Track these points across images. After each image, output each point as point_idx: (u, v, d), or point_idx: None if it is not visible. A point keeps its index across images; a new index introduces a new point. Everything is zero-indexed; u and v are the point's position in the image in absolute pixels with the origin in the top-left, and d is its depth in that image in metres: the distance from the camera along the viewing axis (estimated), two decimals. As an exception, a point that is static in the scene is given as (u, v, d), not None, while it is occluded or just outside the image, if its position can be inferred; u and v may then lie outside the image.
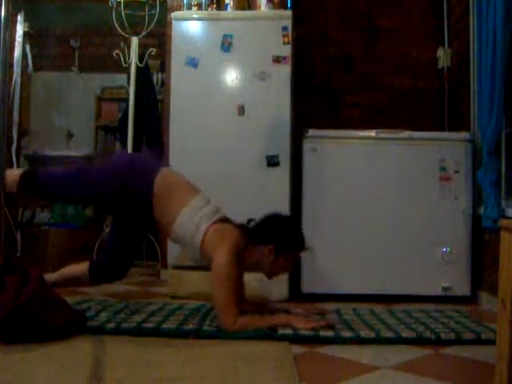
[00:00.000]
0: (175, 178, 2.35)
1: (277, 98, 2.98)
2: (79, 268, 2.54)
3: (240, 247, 2.18)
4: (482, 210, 2.79)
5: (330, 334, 2.05)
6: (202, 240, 2.19)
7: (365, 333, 2.06)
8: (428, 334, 2.07)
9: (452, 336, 2.05)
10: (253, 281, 2.57)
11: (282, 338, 2.00)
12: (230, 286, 2.09)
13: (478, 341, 2.03)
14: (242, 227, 2.27)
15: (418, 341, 2.02)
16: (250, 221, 2.33)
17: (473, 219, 2.98)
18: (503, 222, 1.40)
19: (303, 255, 2.38)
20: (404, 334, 2.06)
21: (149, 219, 2.31)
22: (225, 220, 2.28)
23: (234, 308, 2.07)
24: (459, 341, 2.03)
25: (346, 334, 2.06)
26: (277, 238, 2.23)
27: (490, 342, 1.94)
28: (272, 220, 2.33)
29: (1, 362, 1.69)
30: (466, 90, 3.25)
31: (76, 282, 2.56)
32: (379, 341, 2.02)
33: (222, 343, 1.97)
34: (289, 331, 2.05)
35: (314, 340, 2.01)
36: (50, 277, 2.44)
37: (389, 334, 2.07)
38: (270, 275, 2.32)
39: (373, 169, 3.02)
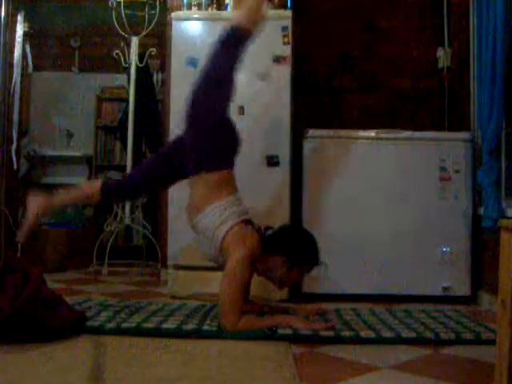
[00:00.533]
0: (233, 177, 2.39)
1: (277, 98, 2.98)
2: (91, 185, 2.60)
3: (257, 254, 2.20)
4: (482, 210, 2.79)
5: (330, 333, 2.06)
6: (223, 235, 2.21)
7: (365, 333, 2.07)
8: (428, 334, 2.07)
9: (452, 336, 2.05)
10: (253, 281, 2.57)
11: (282, 338, 2.01)
12: (240, 289, 2.10)
13: (477, 341, 2.03)
14: (261, 234, 2.29)
15: (418, 341, 2.02)
16: (267, 228, 2.34)
17: (473, 219, 2.98)
18: (503, 222, 1.40)
19: (316, 269, 2.36)
20: (404, 334, 2.06)
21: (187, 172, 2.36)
22: (250, 222, 2.31)
23: (238, 310, 2.08)
24: (459, 341, 2.03)
25: (346, 333, 2.06)
26: (292, 252, 2.24)
27: (490, 342, 1.94)
28: (288, 232, 2.36)
29: (1, 361, 1.69)
30: (466, 90, 3.25)
31: (85, 199, 2.62)
32: (379, 341, 2.02)
33: (222, 343, 1.97)
34: (289, 331, 2.05)
35: (314, 340, 2.01)
36: (62, 196, 2.55)
37: (389, 334, 2.07)
38: (280, 286, 2.33)
39: (373, 169, 3.02)
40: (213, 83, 2.37)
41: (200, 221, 2.29)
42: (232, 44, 2.39)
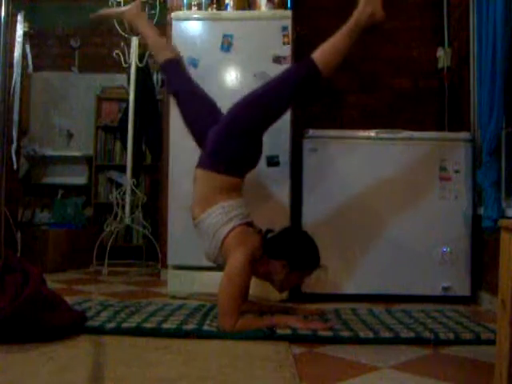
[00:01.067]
0: (241, 185, 2.41)
1: (277, 97, 2.97)
2: (171, 48, 2.77)
3: (257, 255, 2.20)
4: (482, 210, 2.79)
5: (329, 334, 2.05)
6: (225, 236, 2.21)
7: (363, 333, 2.06)
8: (427, 334, 2.07)
9: (451, 336, 2.05)
10: (253, 281, 2.57)
11: (282, 338, 2.01)
12: (239, 290, 2.10)
13: (477, 341, 2.03)
14: (261, 236, 2.30)
15: (417, 341, 2.02)
16: (268, 231, 2.35)
17: (473, 219, 2.98)
18: (503, 222, 1.40)
19: (316, 272, 2.36)
20: (403, 334, 2.06)
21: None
22: (251, 225, 2.32)
23: (236, 312, 2.08)
24: (458, 341, 2.02)
25: (345, 334, 2.06)
26: (292, 256, 2.24)
27: (490, 343, 1.94)
28: (289, 236, 2.35)
29: (1, 361, 1.69)
30: (466, 90, 3.25)
31: (158, 48, 2.70)
32: (378, 341, 2.01)
33: (221, 343, 1.97)
34: (288, 331, 2.05)
35: (313, 340, 2.01)
36: (151, 27, 2.75)
37: (388, 334, 2.06)
38: (280, 289, 2.34)
39: (373, 169, 3.02)
40: (263, 103, 2.38)
41: (203, 220, 2.29)
42: (299, 76, 2.40)
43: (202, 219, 2.30)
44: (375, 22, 2.45)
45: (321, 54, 2.40)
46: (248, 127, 2.37)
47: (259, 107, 2.38)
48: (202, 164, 2.36)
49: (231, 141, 2.34)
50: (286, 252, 2.24)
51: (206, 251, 2.34)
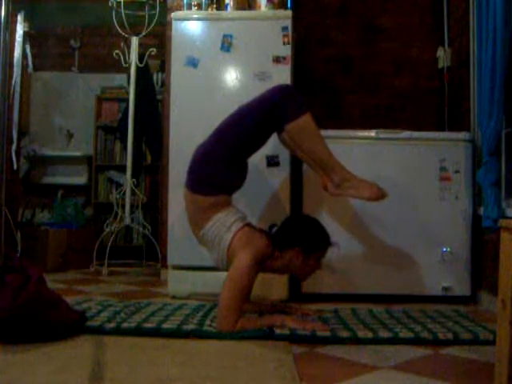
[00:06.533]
0: (228, 200, 2.35)
1: (277, 98, 2.97)
2: None
3: (266, 255, 2.21)
4: (482, 210, 2.79)
5: (327, 334, 2.05)
6: (229, 242, 2.21)
7: (362, 333, 2.06)
8: (425, 335, 2.06)
9: (450, 336, 2.05)
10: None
11: (281, 338, 2.01)
12: (240, 293, 2.10)
13: (475, 341, 2.03)
14: (267, 234, 2.30)
15: (416, 341, 2.02)
16: (272, 226, 2.35)
17: (473, 219, 2.98)
18: (503, 222, 1.40)
19: (330, 251, 2.36)
20: (402, 335, 2.06)
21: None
22: (252, 226, 2.31)
23: (236, 314, 2.07)
24: (457, 341, 2.02)
25: (344, 334, 2.06)
26: (303, 240, 2.24)
27: (488, 343, 1.94)
28: (294, 223, 2.36)
29: (1, 361, 1.69)
30: (466, 90, 3.25)
31: None
32: (376, 341, 2.01)
33: (222, 343, 1.97)
34: (287, 331, 2.05)
35: (313, 340, 2.01)
36: None
37: (386, 335, 2.06)
38: (303, 276, 2.35)
39: (373, 169, 3.01)
40: (240, 130, 2.30)
41: (205, 234, 2.28)
42: (283, 107, 2.28)
43: (202, 235, 2.29)
44: (329, 187, 2.42)
45: (309, 121, 2.35)
46: (227, 155, 2.27)
47: (236, 135, 2.29)
48: (187, 184, 2.31)
49: (212, 167, 2.27)
50: (297, 238, 2.25)
51: (214, 260, 2.33)
